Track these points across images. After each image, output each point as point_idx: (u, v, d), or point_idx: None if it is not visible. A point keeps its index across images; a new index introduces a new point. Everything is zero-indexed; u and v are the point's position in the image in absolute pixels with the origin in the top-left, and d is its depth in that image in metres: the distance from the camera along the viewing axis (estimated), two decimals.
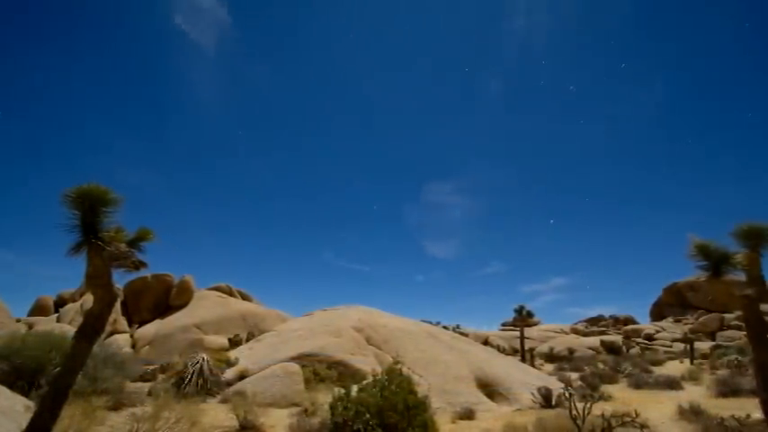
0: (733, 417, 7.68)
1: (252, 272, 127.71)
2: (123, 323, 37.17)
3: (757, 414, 7.46)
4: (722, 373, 18.22)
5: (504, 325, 65.63)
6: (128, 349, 29.21)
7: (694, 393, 13.77)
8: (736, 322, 47.02)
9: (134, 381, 12.53)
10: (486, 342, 43.98)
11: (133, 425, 6.53)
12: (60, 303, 41.39)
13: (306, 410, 9.33)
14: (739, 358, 20.98)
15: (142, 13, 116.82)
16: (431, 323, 31.55)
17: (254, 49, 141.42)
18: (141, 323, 37.88)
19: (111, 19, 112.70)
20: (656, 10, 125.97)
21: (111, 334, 33.33)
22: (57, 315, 38.45)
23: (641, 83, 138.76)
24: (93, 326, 5.49)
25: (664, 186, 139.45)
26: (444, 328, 39.09)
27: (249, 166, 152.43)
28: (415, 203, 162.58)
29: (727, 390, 13.07)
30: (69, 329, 27.17)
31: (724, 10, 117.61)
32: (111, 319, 20.43)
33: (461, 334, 34.57)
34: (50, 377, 8.07)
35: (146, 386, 11.68)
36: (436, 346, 16.78)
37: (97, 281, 5.54)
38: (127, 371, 11.01)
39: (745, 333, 9.32)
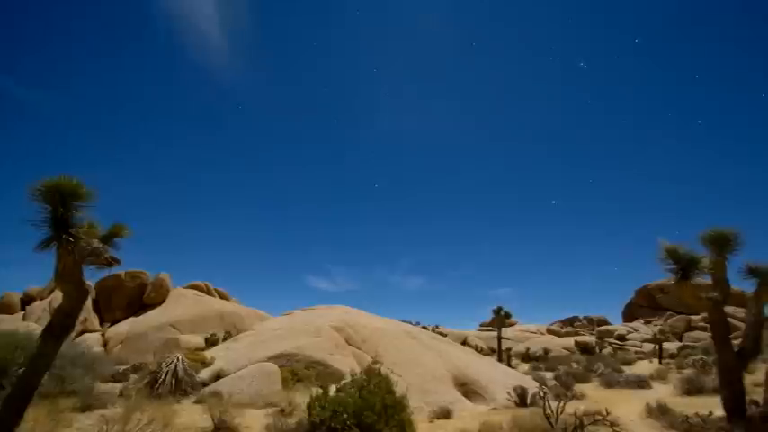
0: (697, 414, 8.00)
1: (231, 271, 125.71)
2: (94, 322, 35.87)
3: (719, 411, 7.80)
4: (688, 372, 18.93)
5: (482, 325, 66.57)
6: (99, 349, 28.22)
7: (662, 392, 14.26)
8: (703, 324, 49.06)
9: (105, 381, 12.16)
10: (464, 342, 44.48)
11: (102, 427, 6.32)
12: (27, 301, 39.66)
13: (283, 410, 9.23)
14: (704, 358, 21.80)
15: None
16: (410, 323, 31.74)
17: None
18: (114, 322, 36.61)
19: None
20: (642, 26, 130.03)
21: (82, 333, 32.15)
22: (23, 313, 36.88)
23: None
24: (61, 324, 5.31)
25: (638, 189, 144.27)
26: (424, 328, 39.35)
27: (239, 166, 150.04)
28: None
29: (693, 388, 13.56)
30: (36, 328, 26.07)
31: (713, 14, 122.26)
32: (81, 317, 19.74)
33: (440, 334, 34.88)
34: (14, 378, 7.74)
35: (117, 387, 11.33)
36: (415, 346, 16.88)
37: (67, 278, 5.35)
38: (97, 371, 10.68)
39: (710, 334, 9.74)
